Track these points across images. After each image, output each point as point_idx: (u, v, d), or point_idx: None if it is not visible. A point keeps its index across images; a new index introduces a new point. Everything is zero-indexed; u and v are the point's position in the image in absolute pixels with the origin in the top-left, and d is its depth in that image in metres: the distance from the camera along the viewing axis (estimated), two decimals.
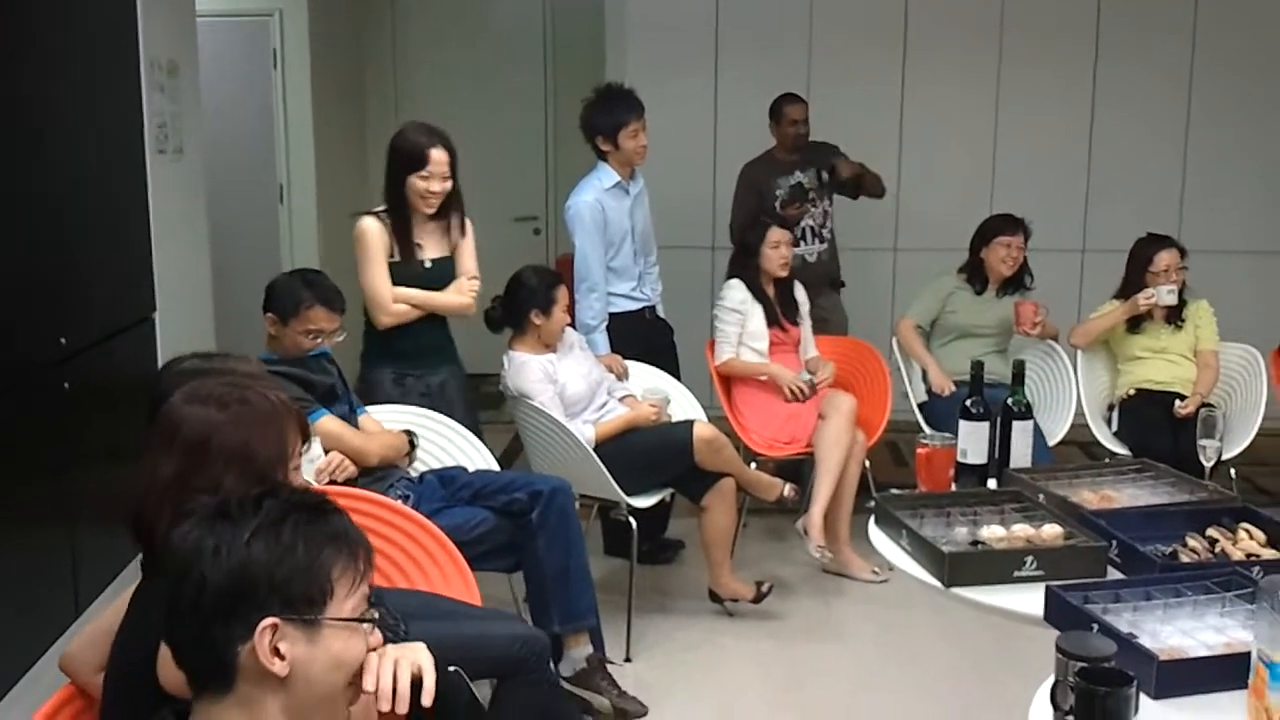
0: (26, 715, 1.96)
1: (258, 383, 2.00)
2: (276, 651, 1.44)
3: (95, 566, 3.60)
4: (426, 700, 1.57)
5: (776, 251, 4.61)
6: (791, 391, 4.51)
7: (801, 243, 5.35)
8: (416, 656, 1.59)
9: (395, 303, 3.76)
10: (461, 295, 3.85)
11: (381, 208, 3.82)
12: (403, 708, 1.55)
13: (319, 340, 3.33)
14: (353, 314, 3.59)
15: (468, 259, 3.91)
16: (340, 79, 6.92)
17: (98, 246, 3.78)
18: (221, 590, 1.43)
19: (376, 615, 1.54)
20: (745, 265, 4.66)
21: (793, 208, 5.34)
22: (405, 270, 3.78)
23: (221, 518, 1.48)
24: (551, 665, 2.84)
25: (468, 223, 3.93)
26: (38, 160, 3.37)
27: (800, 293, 4.80)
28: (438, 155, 3.72)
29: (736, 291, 4.63)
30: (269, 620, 1.43)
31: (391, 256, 3.78)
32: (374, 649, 1.54)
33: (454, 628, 2.46)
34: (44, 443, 3.36)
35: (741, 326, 4.61)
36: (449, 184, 3.77)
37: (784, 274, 4.66)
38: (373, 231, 3.77)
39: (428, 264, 3.84)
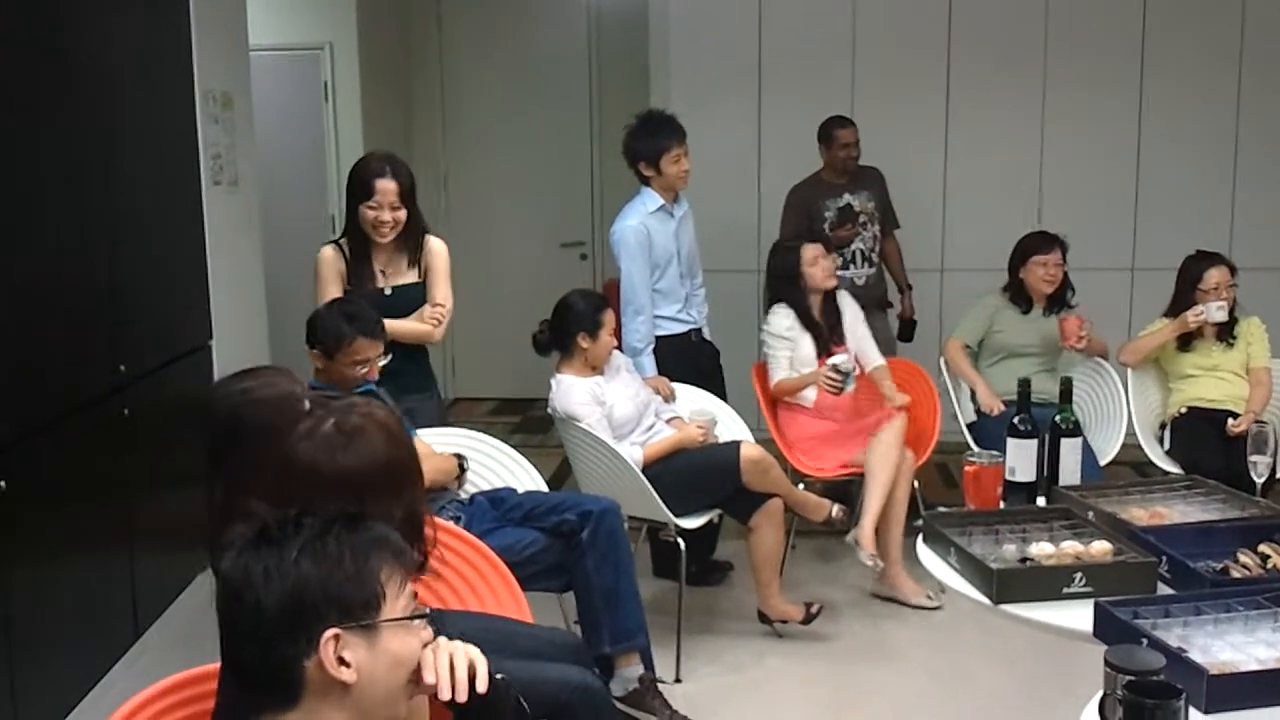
0: None
1: (359, 406, 2.08)
2: (342, 660, 1.48)
3: (154, 589, 3.67)
4: (481, 686, 1.61)
5: (816, 267, 4.57)
6: (826, 385, 4.36)
7: (851, 266, 5.37)
8: (467, 649, 1.63)
9: None
10: (421, 322, 3.83)
11: (341, 236, 3.87)
12: (462, 695, 1.59)
13: (366, 370, 3.37)
14: None
15: (438, 285, 3.89)
16: (390, 111, 7.03)
17: (155, 276, 3.87)
18: (280, 611, 1.47)
19: (427, 610, 1.58)
20: (788, 290, 4.63)
21: (843, 230, 5.36)
22: (369, 299, 3.68)
23: (264, 542, 1.52)
24: (610, 695, 2.84)
25: (442, 246, 3.93)
26: (97, 191, 3.46)
27: (848, 306, 4.73)
28: (384, 185, 3.75)
29: (783, 318, 4.60)
30: (331, 631, 1.48)
31: (347, 284, 3.78)
32: (427, 643, 1.58)
33: (502, 665, 2.47)
34: (103, 468, 3.44)
35: (791, 351, 4.60)
36: (400, 213, 3.78)
37: (831, 284, 4.61)
38: (326, 259, 3.82)
39: (388, 291, 3.83)
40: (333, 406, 2.09)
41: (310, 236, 6.58)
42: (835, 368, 4.35)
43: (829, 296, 4.66)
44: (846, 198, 5.44)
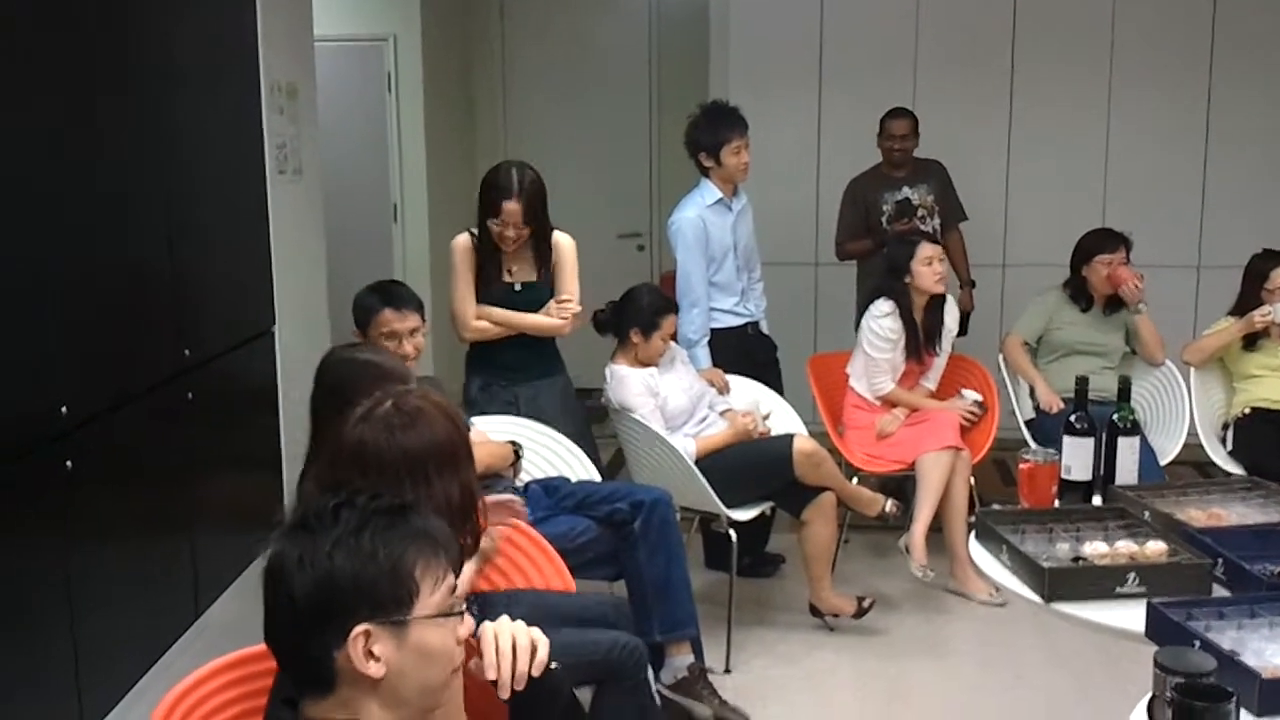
0: (146, 714, 2.06)
1: (415, 389, 2.17)
2: (371, 654, 1.49)
3: (214, 570, 3.73)
4: (537, 670, 1.63)
5: (930, 268, 4.47)
6: (968, 418, 4.52)
7: None
8: (530, 632, 1.66)
9: (477, 320, 3.91)
10: (551, 318, 3.92)
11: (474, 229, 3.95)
12: (521, 684, 1.63)
13: (399, 344, 3.41)
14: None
15: (567, 279, 3.96)
16: (452, 101, 7.09)
17: (220, 263, 3.93)
18: (311, 602, 1.48)
19: (464, 606, 1.60)
20: (894, 284, 4.54)
21: (901, 224, 5.33)
22: (494, 292, 3.91)
23: (303, 530, 1.53)
24: (650, 671, 2.88)
25: (569, 242, 3.99)
26: (165, 180, 3.52)
27: (950, 314, 4.66)
28: (510, 207, 3.80)
29: (892, 320, 4.50)
30: (360, 628, 1.48)
31: (483, 276, 3.89)
32: (463, 639, 1.59)
33: (554, 634, 2.52)
34: (167, 450, 3.50)
35: (893, 352, 4.54)
36: (524, 232, 3.85)
37: (940, 290, 4.52)
38: (462, 247, 3.92)
39: (517, 287, 3.93)
40: (389, 390, 2.15)
41: (372, 225, 6.71)
42: (978, 403, 4.56)
43: (935, 302, 4.59)
44: (905, 191, 5.41)
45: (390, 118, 6.67)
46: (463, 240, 3.94)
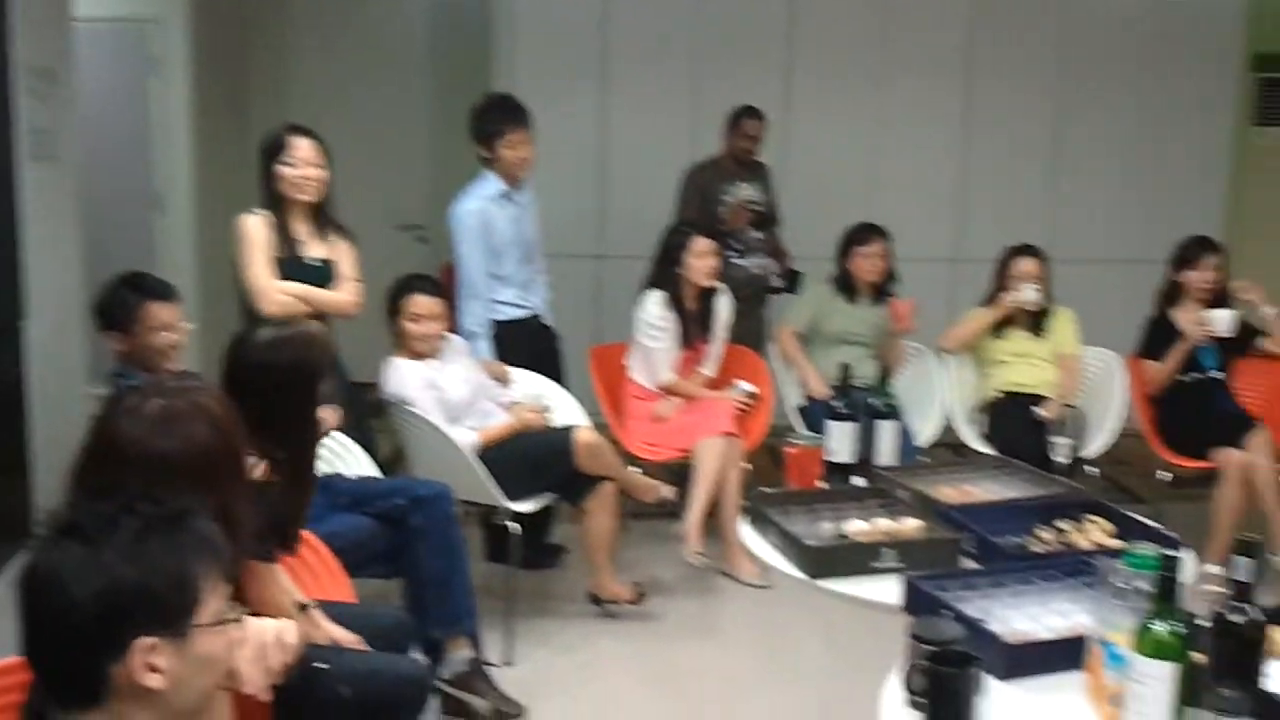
0: None
1: (192, 391, 2.02)
2: (151, 667, 1.43)
3: None
4: (289, 657, 1.62)
5: (702, 261, 4.54)
6: (741, 406, 4.60)
7: (750, 255, 5.44)
8: (278, 631, 1.62)
9: (280, 294, 3.70)
10: (344, 295, 3.82)
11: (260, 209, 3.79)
12: (267, 696, 1.60)
13: (169, 337, 3.25)
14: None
15: (347, 264, 3.87)
16: (223, 87, 6.83)
17: None
18: (92, 613, 1.41)
19: (241, 614, 1.56)
20: (667, 275, 4.62)
21: (734, 213, 5.41)
22: (293, 266, 3.74)
23: (78, 538, 1.45)
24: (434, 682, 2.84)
25: (345, 237, 3.92)
26: None
27: (724, 304, 4.75)
28: (299, 142, 3.76)
29: (657, 306, 4.58)
30: (145, 641, 1.42)
31: (277, 252, 3.72)
32: (233, 645, 1.55)
33: (338, 657, 2.44)
34: None
35: (668, 339, 4.60)
36: (324, 172, 3.78)
37: (710, 284, 4.60)
38: (253, 223, 3.73)
39: (316, 263, 3.80)
40: (165, 388, 2.03)
41: (132, 214, 6.41)
42: (750, 394, 4.64)
43: (707, 293, 4.67)
44: (744, 187, 5.50)
45: (153, 102, 6.38)
46: (252, 218, 3.74)
